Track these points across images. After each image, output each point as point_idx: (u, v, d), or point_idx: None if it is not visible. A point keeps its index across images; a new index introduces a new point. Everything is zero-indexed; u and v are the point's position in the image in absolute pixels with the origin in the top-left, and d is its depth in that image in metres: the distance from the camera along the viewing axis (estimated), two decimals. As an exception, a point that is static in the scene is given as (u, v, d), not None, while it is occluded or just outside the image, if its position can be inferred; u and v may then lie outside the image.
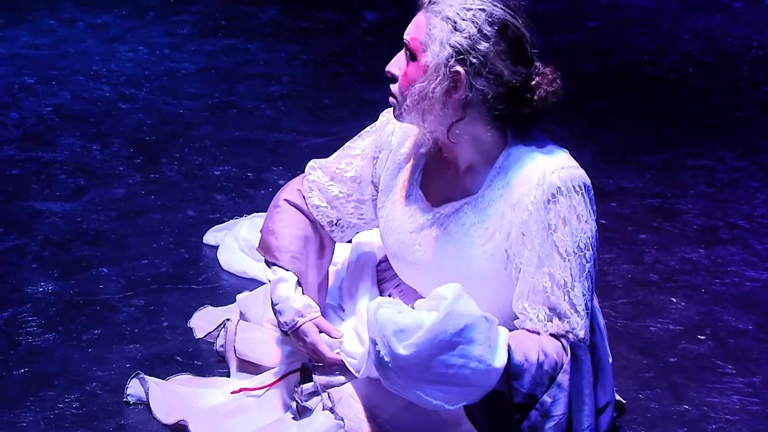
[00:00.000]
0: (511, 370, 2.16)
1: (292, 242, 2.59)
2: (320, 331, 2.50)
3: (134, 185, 4.12)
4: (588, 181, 2.31)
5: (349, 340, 2.50)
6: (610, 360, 2.53)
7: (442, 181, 2.42)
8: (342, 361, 2.46)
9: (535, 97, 2.25)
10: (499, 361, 2.13)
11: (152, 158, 4.38)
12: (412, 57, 2.29)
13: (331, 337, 2.49)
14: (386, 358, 2.07)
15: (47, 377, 2.87)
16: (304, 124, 4.89)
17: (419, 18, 2.29)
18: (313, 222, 2.65)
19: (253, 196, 4.07)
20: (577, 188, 2.26)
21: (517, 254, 2.29)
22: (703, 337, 3.21)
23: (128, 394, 2.76)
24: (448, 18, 2.22)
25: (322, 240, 2.66)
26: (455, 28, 2.21)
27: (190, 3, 6.87)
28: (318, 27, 6.56)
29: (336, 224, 2.66)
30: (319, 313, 2.53)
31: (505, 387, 2.17)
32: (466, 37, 2.21)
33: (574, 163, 2.31)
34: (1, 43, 5.85)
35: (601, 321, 2.55)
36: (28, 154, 4.38)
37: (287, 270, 2.56)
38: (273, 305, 2.55)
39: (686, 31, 6.62)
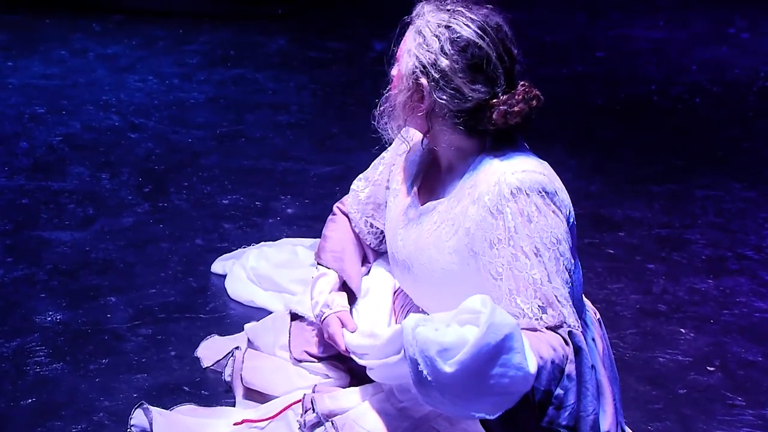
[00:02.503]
0: None
1: (337, 244, 2.80)
2: (342, 325, 2.64)
3: (143, 214, 4.13)
4: (550, 188, 2.31)
5: (356, 336, 2.60)
6: (612, 388, 2.51)
7: (432, 181, 2.53)
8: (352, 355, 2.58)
9: (494, 116, 2.31)
10: (532, 365, 2.12)
11: (161, 187, 4.40)
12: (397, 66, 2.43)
13: (347, 329, 2.64)
14: (429, 378, 2.05)
15: (55, 407, 2.86)
16: (312, 153, 4.91)
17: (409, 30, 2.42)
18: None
19: (261, 225, 4.08)
20: (538, 191, 2.29)
21: (481, 252, 2.32)
22: (712, 369, 3.19)
23: (132, 425, 2.75)
24: (420, 32, 2.35)
25: (364, 250, 2.86)
26: (423, 42, 2.33)
27: (199, 33, 6.92)
28: (326, 57, 6.60)
29: (366, 224, 2.83)
30: (346, 309, 2.68)
31: (529, 390, 2.17)
32: (430, 52, 2.32)
33: (541, 170, 2.33)
34: (13, 73, 5.90)
35: (600, 345, 2.54)
36: (37, 183, 4.40)
37: (328, 268, 2.76)
38: (311, 298, 2.73)
39: (694, 62, 6.64)
